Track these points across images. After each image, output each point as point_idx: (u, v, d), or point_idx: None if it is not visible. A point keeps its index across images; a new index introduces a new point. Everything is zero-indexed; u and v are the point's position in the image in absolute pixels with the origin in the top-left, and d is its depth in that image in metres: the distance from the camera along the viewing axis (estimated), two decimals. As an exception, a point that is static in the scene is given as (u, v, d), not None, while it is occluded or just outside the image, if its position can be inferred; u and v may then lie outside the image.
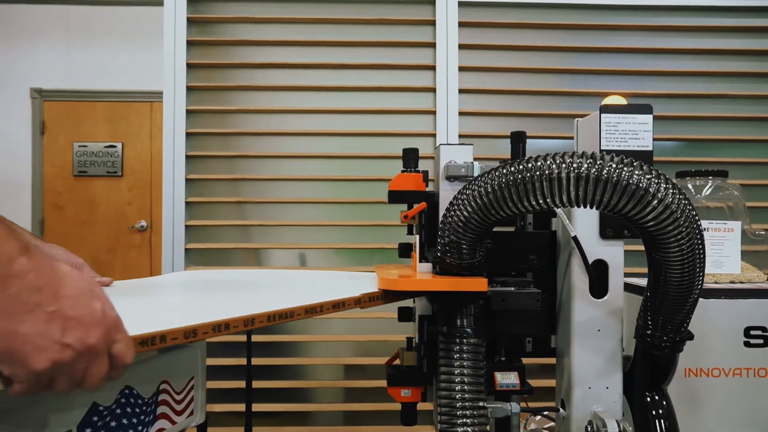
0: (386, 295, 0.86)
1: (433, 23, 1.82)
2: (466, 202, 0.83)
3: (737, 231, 1.17)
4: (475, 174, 0.91)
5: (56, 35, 4.16)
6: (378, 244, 1.80)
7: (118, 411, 0.72)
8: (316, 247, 1.81)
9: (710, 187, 1.19)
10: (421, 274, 0.93)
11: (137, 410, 0.76)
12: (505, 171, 0.80)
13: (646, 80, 1.86)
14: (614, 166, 0.74)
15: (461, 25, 1.82)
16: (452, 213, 0.85)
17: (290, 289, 1.00)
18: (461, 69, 1.82)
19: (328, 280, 1.11)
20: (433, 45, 1.82)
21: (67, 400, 0.64)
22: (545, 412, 1.12)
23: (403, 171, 0.97)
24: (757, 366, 1.11)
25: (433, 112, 1.82)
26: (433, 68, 1.83)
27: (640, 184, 0.73)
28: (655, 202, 0.73)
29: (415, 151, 0.98)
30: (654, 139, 0.93)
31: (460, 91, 1.82)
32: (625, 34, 1.85)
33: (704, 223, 1.17)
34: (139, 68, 4.21)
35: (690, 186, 1.21)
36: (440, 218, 0.90)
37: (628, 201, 0.74)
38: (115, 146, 4.32)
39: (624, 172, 0.73)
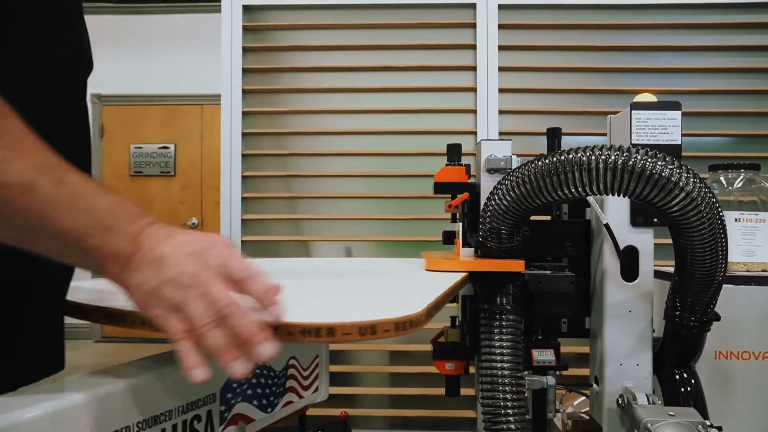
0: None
1: (473, 26, 1.91)
2: (505, 191, 0.91)
3: (769, 222, 1.22)
4: (514, 166, 1.00)
5: (113, 43, 4.41)
6: (421, 236, 1.89)
7: (254, 380, 0.79)
8: (362, 240, 1.92)
9: (742, 179, 1.24)
10: (464, 258, 1.02)
11: (269, 381, 0.84)
12: (541, 162, 0.88)
13: (679, 77, 1.89)
14: (641, 158, 0.81)
15: (501, 27, 1.90)
16: (493, 201, 0.94)
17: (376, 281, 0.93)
18: (501, 69, 1.90)
19: (389, 267, 1.10)
20: (473, 47, 1.91)
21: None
22: (579, 389, 1.19)
23: (447, 164, 1.06)
24: (787, 351, 1.16)
25: (474, 111, 1.90)
26: (474, 69, 1.91)
27: (665, 174, 0.80)
28: (679, 191, 0.81)
29: (459, 146, 1.07)
30: (686, 135, 0.99)
31: (500, 90, 1.89)
32: (658, 32, 1.89)
33: (736, 214, 1.22)
34: (191, 73, 4.42)
35: (722, 179, 1.26)
36: (481, 207, 0.99)
37: (654, 190, 0.82)
38: (168, 147, 4.55)
39: (649, 163, 0.80)
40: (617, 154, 0.82)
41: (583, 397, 1.33)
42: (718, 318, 0.96)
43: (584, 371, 1.20)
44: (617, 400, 0.98)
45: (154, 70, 4.45)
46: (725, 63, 1.88)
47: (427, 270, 0.97)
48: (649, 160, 0.80)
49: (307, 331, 0.52)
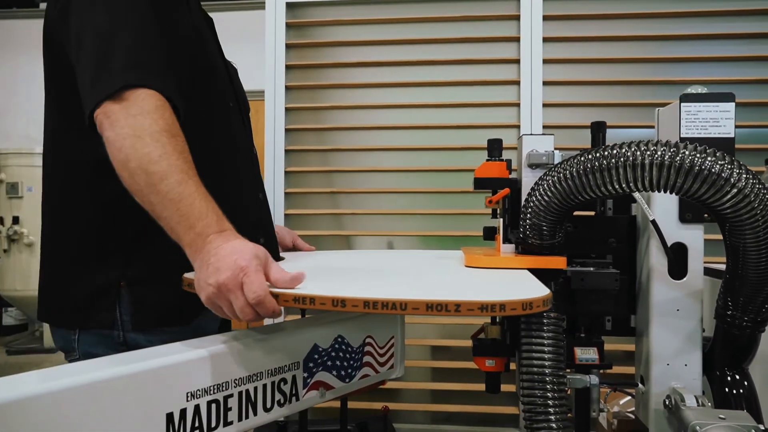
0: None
1: (517, 18, 1.87)
2: (546, 186, 0.90)
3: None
4: (556, 162, 0.98)
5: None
6: (462, 231, 1.88)
7: (333, 353, 0.92)
8: (403, 235, 1.92)
9: (802, 173, 1.18)
10: (504, 254, 1.01)
11: (347, 355, 0.94)
12: (585, 158, 0.86)
13: (732, 66, 1.81)
14: (689, 153, 0.78)
15: (545, 18, 1.86)
16: (534, 197, 0.92)
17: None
18: (545, 61, 1.86)
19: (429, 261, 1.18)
20: (517, 39, 1.87)
21: (296, 340, 0.86)
22: (624, 388, 1.16)
23: (488, 160, 1.05)
24: None
25: (518, 105, 1.87)
26: (517, 62, 1.88)
27: (715, 170, 0.78)
28: (730, 188, 0.78)
29: (499, 141, 1.06)
30: (740, 127, 0.95)
31: (545, 83, 1.86)
32: (709, 20, 1.82)
33: (794, 210, 1.16)
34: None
35: (780, 172, 1.21)
36: (522, 202, 0.97)
37: (704, 186, 0.79)
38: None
39: (698, 159, 0.77)
40: (664, 150, 0.80)
41: (629, 397, 1.30)
42: (773, 318, 0.92)
43: (630, 369, 1.17)
44: (664, 401, 0.96)
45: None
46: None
47: (466, 266, 0.97)
48: (698, 155, 0.78)
49: (485, 306, 0.67)
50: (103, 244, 0.98)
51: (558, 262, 0.91)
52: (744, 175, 0.78)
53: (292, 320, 0.91)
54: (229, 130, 1.09)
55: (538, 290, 0.76)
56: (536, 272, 0.94)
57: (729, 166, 0.78)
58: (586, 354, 1.01)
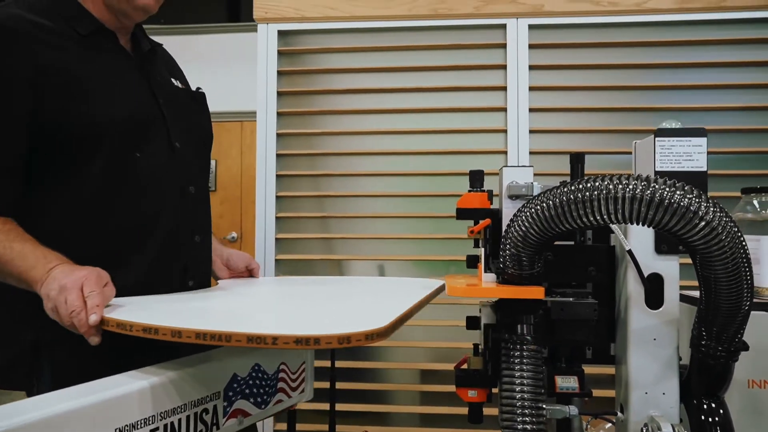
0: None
1: (504, 46, 1.92)
2: (525, 218, 0.92)
3: (807, 246, 1.18)
4: (535, 193, 1.00)
5: (159, 64, 4.58)
6: (451, 255, 1.90)
7: (250, 381, 0.96)
8: (393, 259, 1.94)
9: (776, 202, 1.21)
10: (485, 283, 1.03)
11: (263, 383, 0.99)
12: (561, 191, 0.89)
13: (712, 94, 1.85)
14: (659, 187, 0.81)
15: (531, 47, 1.90)
16: (513, 228, 0.95)
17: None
18: (531, 89, 1.90)
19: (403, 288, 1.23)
20: (504, 67, 1.92)
21: (218, 369, 0.90)
22: (604, 415, 1.18)
23: (470, 190, 1.07)
24: (826, 380, 1.12)
25: (505, 131, 1.91)
26: (504, 89, 1.92)
27: (684, 204, 0.80)
28: (699, 221, 0.80)
29: (481, 172, 1.08)
30: (714, 153, 0.98)
31: (531, 110, 1.90)
32: (686, 48, 1.86)
33: (770, 238, 1.19)
34: (231, 90, 4.55)
35: (755, 202, 1.23)
36: (503, 233, 0.99)
37: (675, 220, 0.81)
38: (209, 164, 4.69)
39: (668, 192, 0.80)
40: (636, 183, 0.82)
41: (611, 424, 1.32)
42: (746, 348, 0.94)
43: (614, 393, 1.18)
44: (641, 429, 0.97)
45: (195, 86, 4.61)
46: (754, 79, 1.84)
47: (449, 295, 0.99)
48: (668, 189, 0.80)
49: (300, 340, 0.71)
50: (14, 306, 1.03)
51: (536, 293, 0.93)
52: (712, 209, 0.80)
53: (215, 350, 0.92)
54: (135, 179, 1.08)
55: (382, 322, 0.77)
56: (516, 302, 0.96)
57: (697, 200, 0.81)
58: (566, 383, 1.03)
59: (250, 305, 1.07)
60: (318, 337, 0.70)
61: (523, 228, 0.92)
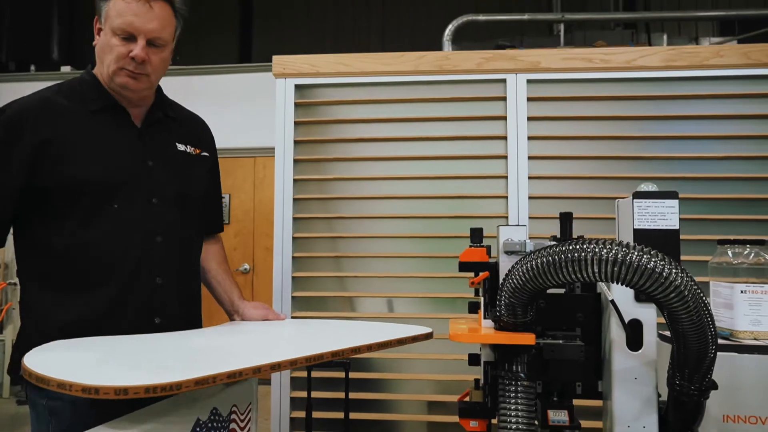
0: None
1: (504, 99, 2.08)
2: (519, 274, 1.06)
3: (775, 292, 1.31)
4: (528, 249, 1.15)
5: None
6: (455, 293, 2.04)
7: (209, 425, 1.07)
8: (402, 296, 2.08)
9: (750, 254, 1.34)
10: (485, 329, 1.16)
11: (219, 425, 1.10)
12: (555, 250, 1.03)
13: (691, 144, 2.00)
14: (626, 251, 0.95)
15: (529, 99, 2.06)
16: (509, 281, 1.09)
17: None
18: (530, 138, 2.05)
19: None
20: (504, 118, 2.07)
21: (185, 415, 1.00)
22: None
23: (470, 246, 1.22)
24: (795, 415, 1.24)
25: (505, 177, 2.06)
26: (504, 138, 2.07)
27: (656, 269, 0.94)
28: (665, 281, 0.94)
29: (480, 230, 1.23)
30: (684, 219, 1.10)
31: (530, 157, 2.05)
32: (671, 102, 2.02)
33: (742, 286, 1.32)
34: (244, 127, 4.75)
35: (730, 252, 1.36)
36: (499, 285, 1.13)
37: (648, 282, 0.95)
38: (223, 197, 4.86)
39: (635, 256, 0.94)
40: (617, 249, 0.96)
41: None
42: (715, 387, 1.07)
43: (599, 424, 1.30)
44: (624, 460, 1.09)
45: (211, 124, 4.81)
46: (733, 131, 1.99)
47: (453, 341, 1.12)
48: (636, 253, 0.94)
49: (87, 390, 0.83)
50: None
51: (527, 339, 1.06)
52: (679, 273, 0.94)
53: (184, 393, 0.99)
54: (109, 226, 1.34)
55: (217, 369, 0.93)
56: (511, 346, 1.09)
57: (668, 265, 0.94)
58: (557, 416, 1.16)
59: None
60: (98, 388, 0.82)
61: (519, 281, 1.06)
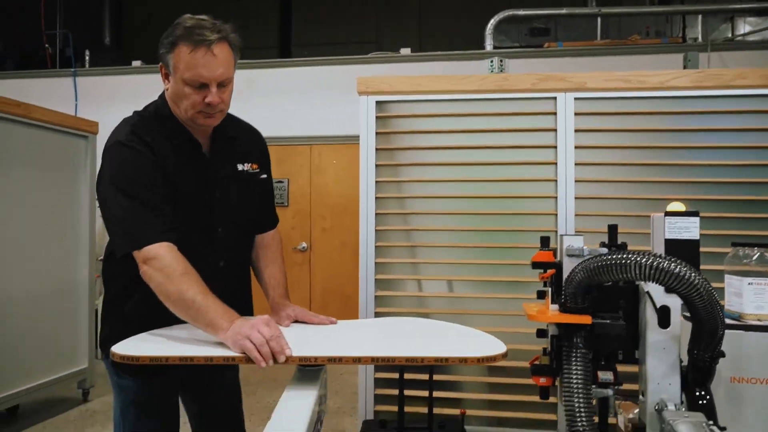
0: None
1: (554, 114, 2.44)
2: (580, 273, 1.47)
3: (775, 285, 1.69)
4: (585, 254, 1.55)
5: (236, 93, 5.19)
6: (510, 277, 2.44)
7: None
8: (460, 280, 2.49)
9: (756, 255, 1.71)
10: (552, 311, 1.58)
11: None
12: (602, 259, 1.42)
13: (719, 153, 2.35)
14: (659, 260, 1.34)
15: (576, 114, 2.42)
16: (573, 277, 1.49)
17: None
18: (577, 147, 2.42)
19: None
20: (554, 130, 2.44)
21: None
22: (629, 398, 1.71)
23: (540, 250, 1.62)
24: (787, 378, 1.63)
25: (555, 181, 2.44)
26: (554, 147, 2.44)
27: (680, 273, 1.33)
28: (686, 281, 1.33)
29: (548, 238, 1.63)
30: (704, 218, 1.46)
31: (576, 164, 2.42)
32: (701, 117, 2.36)
33: (750, 279, 1.70)
34: (301, 117, 5.14)
35: (740, 252, 1.74)
36: (563, 279, 1.54)
37: (671, 280, 1.35)
38: (282, 182, 5.31)
39: (665, 264, 1.34)
40: (653, 258, 1.36)
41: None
42: (723, 355, 1.46)
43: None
44: (655, 407, 1.50)
45: (267, 115, 5.21)
46: (755, 141, 2.32)
47: (530, 320, 1.54)
48: (665, 262, 1.34)
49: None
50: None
51: (586, 319, 1.47)
52: (696, 276, 1.33)
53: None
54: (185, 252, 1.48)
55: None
56: (572, 324, 1.50)
57: (688, 270, 1.34)
58: (605, 375, 1.57)
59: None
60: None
61: (578, 279, 1.47)
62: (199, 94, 1.44)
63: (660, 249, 1.55)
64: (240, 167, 1.65)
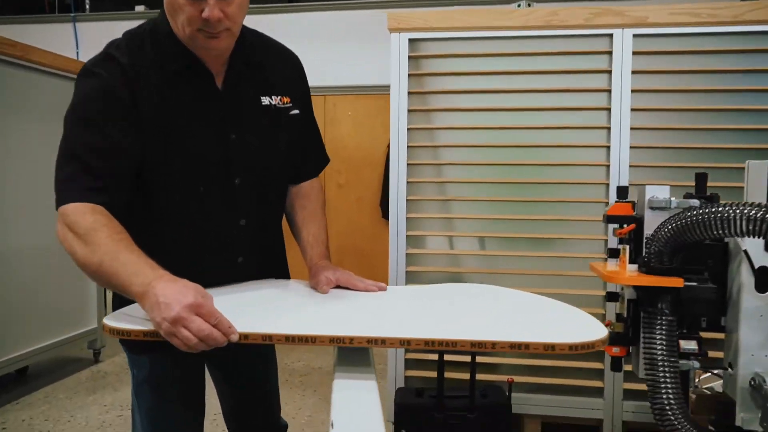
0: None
1: (609, 53, 2.18)
2: (670, 227, 1.25)
3: None
4: (672, 206, 1.33)
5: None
6: (542, 234, 2.24)
7: None
8: (492, 236, 2.29)
9: None
10: (629, 272, 1.37)
11: None
12: (699, 212, 1.21)
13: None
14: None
15: (635, 53, 2.16)
16: (659, 234, 1.28)
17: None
18: (633, 91, 2.17)
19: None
20: (609, 72, 2.19)
21: None
22: (716, 371, 1.52)
23: (617, 201, 1.40)
24: None
25: (608, 128, 2.20)
26: (608, 91, 2.20)
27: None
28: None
29: (626, 188, 1.41)
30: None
31: (632, 109, 2.18)
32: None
33: None
34: (317, 66, 4.85)
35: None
36: (645, 235, 1.32)
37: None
38: (295, 135, 5.07)
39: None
40: (750, 208, 1.14)
41: (708, 374, 1.66)
42: (833, 323, 1.26)
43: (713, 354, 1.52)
44: (750, 381, 1.31)
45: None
46: None
47: (610, 282, 1.33)
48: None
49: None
50: None
51: (677, 282, 1.26)
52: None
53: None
54: (197, 207, 1.26)
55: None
56: (654, 287, 1.30)
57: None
58: (688, 345, 1.38)
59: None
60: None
61: (668, 236, 1.25)
62: (194, 6, 1.13)
63: (761, 200, 1.33)
64: (265, 101, 1.32)
